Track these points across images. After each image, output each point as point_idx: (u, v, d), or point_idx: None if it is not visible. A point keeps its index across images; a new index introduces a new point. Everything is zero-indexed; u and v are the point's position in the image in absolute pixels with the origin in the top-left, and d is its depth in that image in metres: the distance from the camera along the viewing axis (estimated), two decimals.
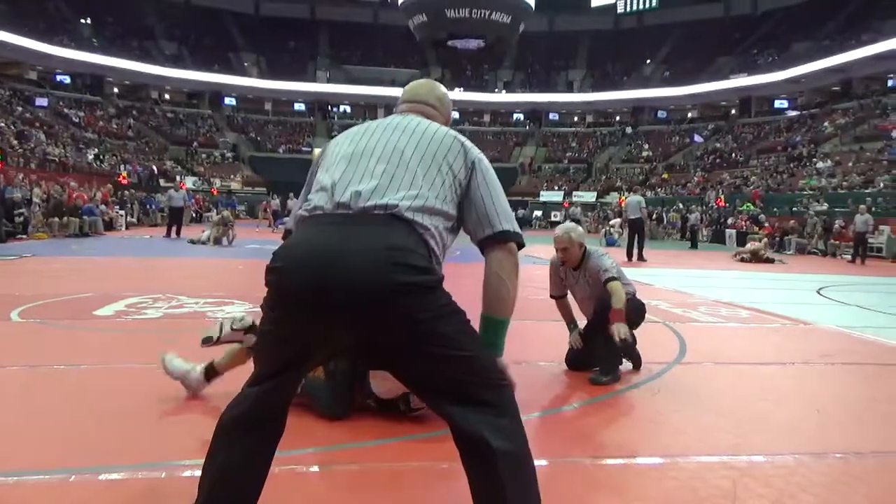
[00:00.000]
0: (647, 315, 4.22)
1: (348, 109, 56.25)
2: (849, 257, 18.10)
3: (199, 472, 1.71)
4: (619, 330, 3.84)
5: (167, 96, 52.62)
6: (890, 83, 39.71)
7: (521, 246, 1.84)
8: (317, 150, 40.76)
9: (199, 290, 7.22)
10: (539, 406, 3.46)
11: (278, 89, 52.42)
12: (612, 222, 24.68)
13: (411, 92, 2.11)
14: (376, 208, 1.65)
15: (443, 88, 2.15)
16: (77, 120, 40.86)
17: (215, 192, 37.04)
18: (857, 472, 2.77)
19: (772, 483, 2.58)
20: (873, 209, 22.84)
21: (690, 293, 8.65)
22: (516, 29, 51.56)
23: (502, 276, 1.77)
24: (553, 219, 37.54)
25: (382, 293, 1.54)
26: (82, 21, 47.96)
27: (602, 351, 4.02)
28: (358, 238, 1.60)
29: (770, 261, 16.35)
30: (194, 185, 38.24)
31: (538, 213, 42.07)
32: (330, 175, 1.78)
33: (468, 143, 1.87)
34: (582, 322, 4.34)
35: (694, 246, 23.24)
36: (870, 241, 20.62)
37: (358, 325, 1.58)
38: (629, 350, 4.21)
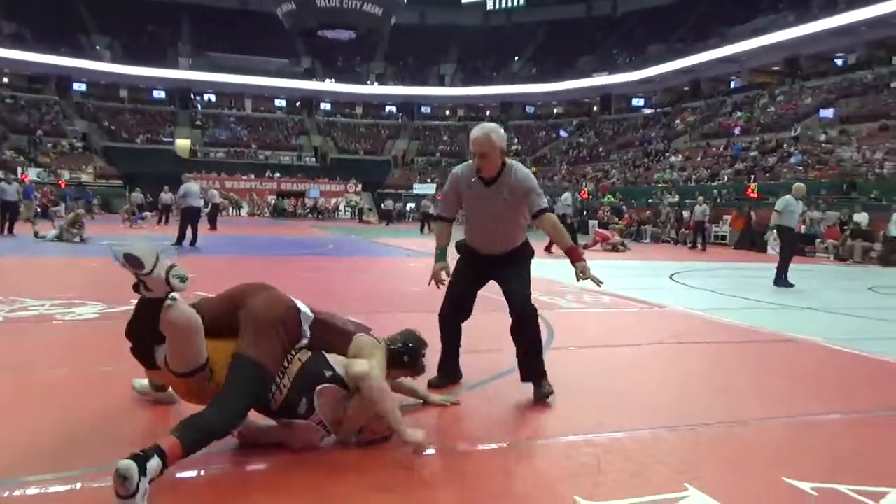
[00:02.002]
0: None
1: (213, 98, 53.85)
2: (699, 245, 19.59)
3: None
4: (583, 270, 3.43)
5: (6, 80, 47.84)
6: (732, 84, 43.35)
7: None
8: (179, 141, 38.06)
9: (45, 291, 6.63)
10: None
11: (135, 75, 49.11)
12: None
13: None
14: None
15: None
16: None
17: (63, 185, 34.16)
18: (706, 441, 3.00)
19: (631, 456, 2.73)
20: (718, 200, 24.91)
21: (558, 281, 8.99)
22: (388, 21, 51.43)
23: None
24: (429, 210, 37.68)
25: None
26: None
27: (531, 359, 3.58)
28: None
29: (624, 249, 17.43)
30: (39, 176, 35.13)
31: (411, 205, 42.26)
32: None
33: None
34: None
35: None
36: (714, 229, 22.52)
37: None
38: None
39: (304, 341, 2.73)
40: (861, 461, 2.81)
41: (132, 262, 2.36)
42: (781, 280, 9.59)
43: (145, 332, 2.53)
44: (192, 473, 2.40)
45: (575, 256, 3.47)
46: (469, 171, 3.58)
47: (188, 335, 2.47)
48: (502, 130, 3.52)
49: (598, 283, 3.44)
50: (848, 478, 2.55)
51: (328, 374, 2.66)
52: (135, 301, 2.67)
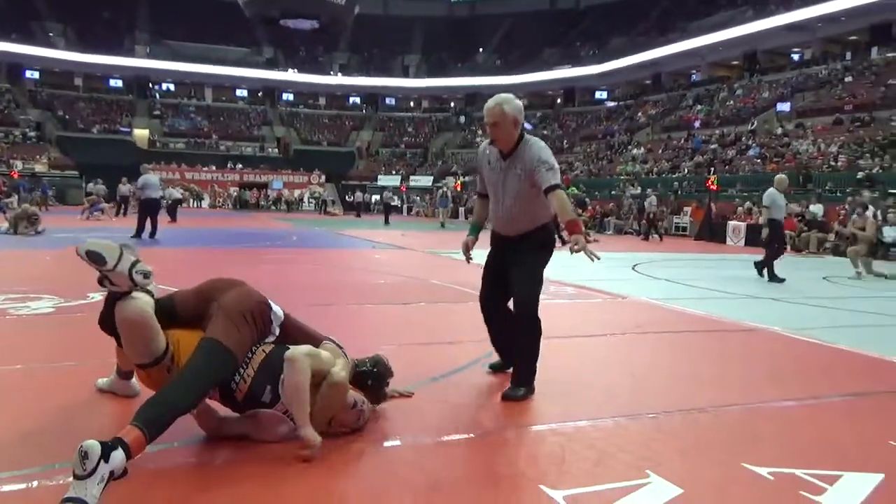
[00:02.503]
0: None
1: (172, 87, 52.74)
2: (657, 237, 19.90)
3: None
4: (576, 242, 3.22)
5: None
6: (693, 78, 44.04)
7: None
8: (137, 131, 37.28)
9: None
10: None
11: (90, 63, 47.80)
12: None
13: None
14: None
15: None
16: None
17: (15, 175, 33.10)
18: (667, 428, 3.05)
19: (595, 445, 2.77)
20: (679, 192, 25.35)
21: None
22: (351, 11, 50.81)
23: None
24: (393, 202, 37.41)
25: None
26: None
27: (518, 359, 3.50)
28: None
29: (593, 240, 17.69)
30: None
31: (376, 197, 42.11)
32: None
33: None
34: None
35: None
36: (675, 221, 22.95)
37: None
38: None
39: (272, 338, 2.73)
40: (816, 446, 2.90)
41: (94, 258, 2.39)
42: (774, 276, 9.27)
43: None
44: (151, 466, 2.36)
45: (572, 229, 3.27)
46: (490, 145, 3.53)
47: (138, 330, 2.47)
48: (518, 102, 3.41)
49: (592, 258, 3.24)
50: (804, 462, 2.62)
51: None
52: (92, 295, 2.63)
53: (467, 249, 3.73)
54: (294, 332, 2.83)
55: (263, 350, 2.67)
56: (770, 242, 9.64)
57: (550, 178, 3.30)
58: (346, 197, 42.76)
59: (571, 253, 3.28)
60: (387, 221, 25.47)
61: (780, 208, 9.53)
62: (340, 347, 2.98)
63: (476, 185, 3.79)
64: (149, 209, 13.57)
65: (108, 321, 2.62)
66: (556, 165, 3.37)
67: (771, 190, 9.59)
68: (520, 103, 3.43)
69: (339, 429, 2.74)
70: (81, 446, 1.97)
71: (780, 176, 10.20)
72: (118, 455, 2.03)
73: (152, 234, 13.34)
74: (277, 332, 2.75)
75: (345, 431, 2.76)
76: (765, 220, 9.56)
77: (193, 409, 2.50)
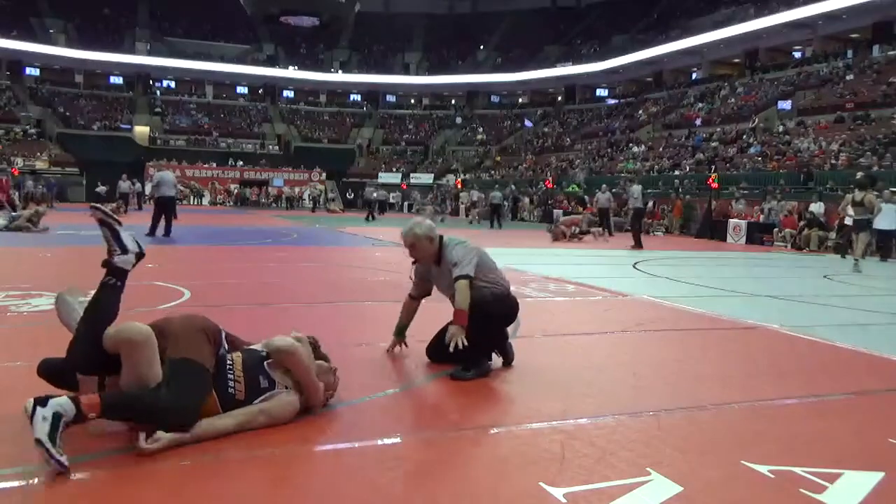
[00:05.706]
0: None
1: (173, 84, 52.69)
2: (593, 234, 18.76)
3: None
4: (451, 332, 3.57)
5: None
6: (693, 76, 44.00)
7: None
8: (137, 128, 37.29)
9: None
10: (380, 386, 3.46)
11: (91, 60, 47.79)
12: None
13: None
14: None
15: None
16: None
17: (16, 172, 33.08)
18: (667, 426, 3.05)
19: (595, 443, 2.77)
20: (679, 190, 25.31)
21: (523, 270, 9.06)
22: (352, 8, 50.89)
23: None
24: (391, 200, 37.23)
25: None
26: None
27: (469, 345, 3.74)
28: None
29: (585, 233, 17.52)
30: None
31: (375, 194, 42.11)
32: None
33: None
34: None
35: (499, 225, 23.04)
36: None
37: None
38: (500, 346, 3.97)
39: (224, 348, 2.91)
40: (816, 444, 2.90)
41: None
42: None
43: (101, 360, 2.62)
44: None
45: (457, 318, 3.61)
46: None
47: (143, 350, 2.55)
48: (428, 222, 3.89)
49: (454, 348, 3.49)
50: (804, 460, 2.62)
51: (264, 352, 2.90)
52: (93, 292, 2.64)
53: (392, 349, 4.08)
54: (235, 340, 3.04)
55: (237, 355, 2.86)
56: None
57: (454, 272, 3.72)
58: (347, 194, 42.77)
59: (446, 342, 3.56)
60: (367, 218, 25.73)
61: None
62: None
63: (412, 288, 4.12)
64: (164, 207, 13.45)
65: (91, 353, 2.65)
66: (466, 258, 3.74)
67: None
68: (429, 222, 3.90)
69: (327, 393, 3.00)
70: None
71: None
72: (56, 401, 2.27)
73: (166, 233, 13.10)
74: (226, 344, 2.93)
75: (329, 395, 3.02)
76: None
77: (185, 426, 2.50)
